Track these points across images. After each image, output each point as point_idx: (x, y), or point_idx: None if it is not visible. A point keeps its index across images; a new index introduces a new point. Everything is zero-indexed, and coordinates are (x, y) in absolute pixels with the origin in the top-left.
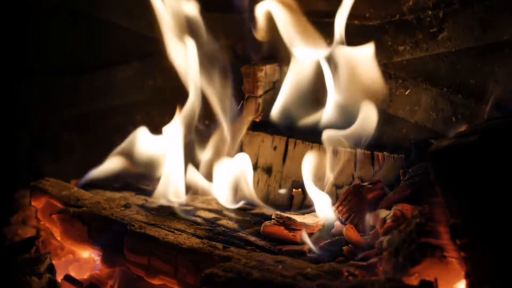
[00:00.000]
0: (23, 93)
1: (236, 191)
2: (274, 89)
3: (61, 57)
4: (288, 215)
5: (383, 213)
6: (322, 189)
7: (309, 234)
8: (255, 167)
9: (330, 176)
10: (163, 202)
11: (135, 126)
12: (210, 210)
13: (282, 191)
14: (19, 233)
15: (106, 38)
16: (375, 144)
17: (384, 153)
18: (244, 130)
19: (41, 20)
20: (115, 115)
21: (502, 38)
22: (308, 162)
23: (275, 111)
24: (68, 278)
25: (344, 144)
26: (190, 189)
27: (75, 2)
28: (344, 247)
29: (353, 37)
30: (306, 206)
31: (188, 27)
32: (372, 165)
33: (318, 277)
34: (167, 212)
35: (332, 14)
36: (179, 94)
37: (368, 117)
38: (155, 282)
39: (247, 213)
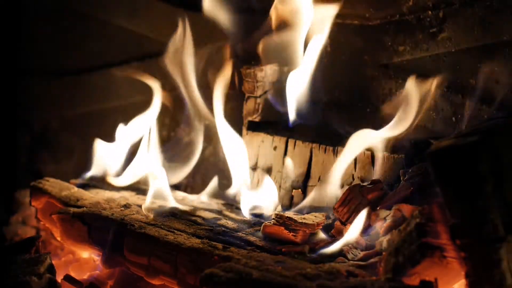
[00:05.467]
0: (23, 93)
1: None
2: (273, 89)
3: (61, 57)
4: (288, 215)
5: (383, 213)
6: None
7: (309, 234)
8: (255, 167)
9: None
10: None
11: None
12: (210, 210)
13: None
14: (19, 233)
15: (106, 38)
16: None
17: (384, 153)
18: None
19: (41, 20)
20: (115, 115)
21: (502, 38)
22: None
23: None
24: (68, 278)
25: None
26: None
27: (76, 2)
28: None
29: (353, 37)
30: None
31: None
32: (372, 165)
33: (318, 277)
34: (167, 212)
35: None
36: (179, 94)
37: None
38: (155, 282)
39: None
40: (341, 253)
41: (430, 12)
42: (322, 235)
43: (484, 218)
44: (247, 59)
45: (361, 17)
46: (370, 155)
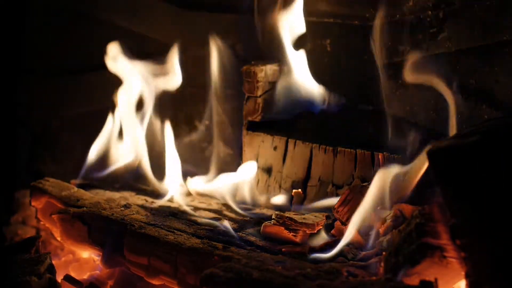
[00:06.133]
0: (23, 93)
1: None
2: (274, 89)
3: (61, 57)
4: (288, 215)
5: (383, 213)
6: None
7: (310, 234)
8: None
9: None
10: None
11: None
12: (210, 210)
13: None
14: (19, 233)
15: (106, 38)
16: (375, 144)
17: (384, 153)
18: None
19: (41, 20)
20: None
21: (502, 38)
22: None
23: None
24: (68, 278)
25: None
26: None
27: (76, 2)
28: (344, 247)
29: (354, 37)
30: (306, 206)
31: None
32: (372, 165)
33: (318, 277)
34: (167, 212)
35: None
36: (179, 94)
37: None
38: (155, 282)
39: (247, 213)
40: (341, 253)
41: (430, 12)
42: (323, 235)
43: (484, 217)
44: (247, 59)
45: (361, 17)
46: (370, 155)
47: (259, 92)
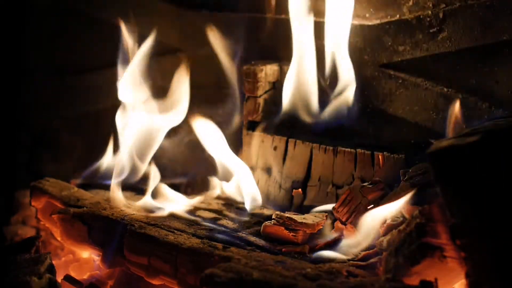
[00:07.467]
0: (23, 93)
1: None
2: (274, 89)
3: (61, 57)
4: (288, 215)
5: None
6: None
7: (309, 234)
8: (255, 167)
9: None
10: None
11: None
12: (210, 210)
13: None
14: (19, 233)
15: (106, 38)
16: (375, 144)
17: (384, 153)
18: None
19: (41, 20)
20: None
21: (502, 38)
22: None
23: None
24: (68, 278)
25: None
26: None
27: (75, 2)
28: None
29: (354, 37)
30: (306, 206)
31: None
32: (372, 165)
33: (318, 277)
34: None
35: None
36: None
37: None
38: (155, 282)
39: (247, 213)
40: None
41: (430, 12)
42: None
43: (484, 217)
44: (247, 59)
45: (361, 17)
46: (370, 155)
47: (259, 92)
